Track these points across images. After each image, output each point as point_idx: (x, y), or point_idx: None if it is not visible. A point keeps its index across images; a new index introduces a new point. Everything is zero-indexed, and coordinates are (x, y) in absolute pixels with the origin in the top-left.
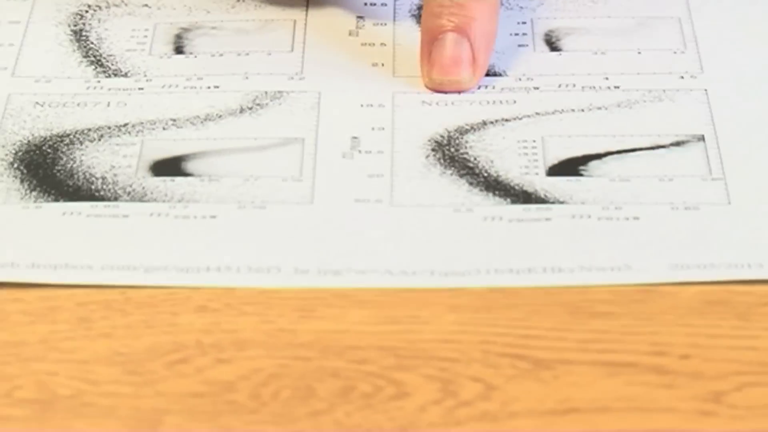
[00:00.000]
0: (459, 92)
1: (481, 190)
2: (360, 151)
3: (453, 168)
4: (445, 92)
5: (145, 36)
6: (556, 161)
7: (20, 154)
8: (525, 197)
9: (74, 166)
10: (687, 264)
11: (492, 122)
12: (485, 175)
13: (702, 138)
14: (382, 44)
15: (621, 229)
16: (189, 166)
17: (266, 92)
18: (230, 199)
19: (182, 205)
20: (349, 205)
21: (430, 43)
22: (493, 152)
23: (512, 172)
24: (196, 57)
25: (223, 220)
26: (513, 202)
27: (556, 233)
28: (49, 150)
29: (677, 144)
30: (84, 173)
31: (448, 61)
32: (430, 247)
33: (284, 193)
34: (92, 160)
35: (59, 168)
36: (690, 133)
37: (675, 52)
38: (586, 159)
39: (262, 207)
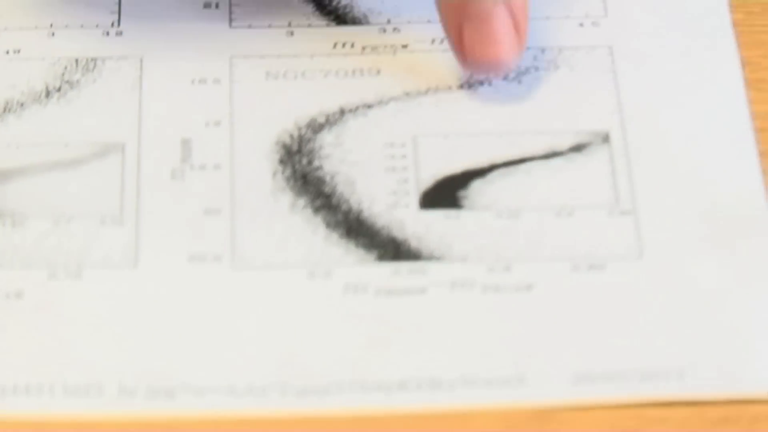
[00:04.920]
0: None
1: (341, 235)
2: (192, 166)
3: (306, 195)
4: (486, 75)
5: None
6: (431, 182)
7: None
8: (394, 249)
9: None
10: (592, 374)
11: (351, 110)
12: (345, 209)
13: (607, 138)
14: None
15: (511, 308)
16: None
17: (76, 60)
18: (39, 261)
19: None
20: (181, 268)
21: (459, 17)
22: (355, 166)
23: (378, 202)
24: None
25: (30, 300)
26: (380, 256)
27: (432, 316)
28: None
29: (577, 149)
30: None
31: (489, 39)
32: (278, 343)
33: (104, 248)
34: None
35: None
36: (592, 130)
37: None
38: (467, 177)
39: (77, 275)
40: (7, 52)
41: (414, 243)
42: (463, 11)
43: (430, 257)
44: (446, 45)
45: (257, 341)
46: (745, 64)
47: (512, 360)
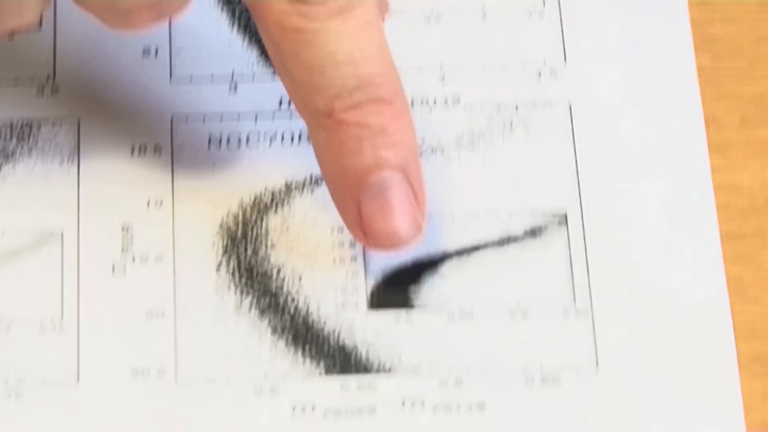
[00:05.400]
0: (401, 248)
1: (287, 343)
2: (134, 258)
3: (251, 293)
4: (386, 249)
5: None
6: (380, 276)
7: None
8: (343, 361)
9: None
10: None
11: (297, 186)
12: (292, 311)
13: (564, 220)
14: None
15: (464, 428)
16: None
17: (11, 125)
18: None
19: None
20: (123, 383)
21: (357, 191)
22: (302, 255)
23: (327, 302)
24: None
25: None
26: (328, 369)
27: None
28: None
29: (532, 234)
30: None
31: (393, 215)
32: None
33: (44, 360)
34: None
35: None
36: (549, 210)
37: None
38: (419, 271)
39: (19, 394)
40: None
41: (363, 352)
42: (359, 185)
43: (379, 369)
44: None
45: None
46: (710, 120)
47: None
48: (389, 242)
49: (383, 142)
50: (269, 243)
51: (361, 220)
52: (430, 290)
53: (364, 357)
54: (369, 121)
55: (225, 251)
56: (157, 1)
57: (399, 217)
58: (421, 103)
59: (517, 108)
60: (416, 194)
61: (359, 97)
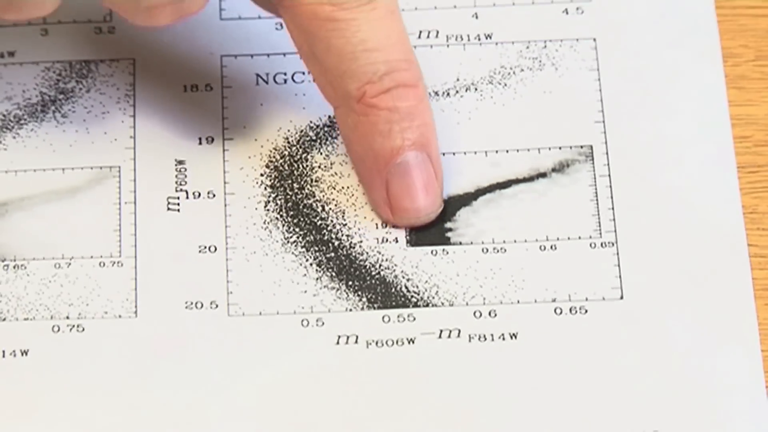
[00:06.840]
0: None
1: (332, 276)
2: (187, 194)
3: (297, 229)
4: (410, 224)
5: None
6: None
7: None
8: (384, 294)
9: None
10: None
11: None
12: (335, 243)
13: (590, 155)
14: None
15: (494, 359)
16: None
17: (70, 64)
18: (42, 311)
19: None
20: (178, 316)
21: (386, 171)
22: (342, 191)
23: (368, 236)
24: None
25: (36, 358)
26: (370, 303)
27: (419, 370)
28: None
29: (560, 169)
30: None
31: (418, 192)
32: (270, 405)
33: (104, 294)
34: None
35: None
36: (577, 144)
37: None
38: (454, 206)
39: (80, 328)
40: (2, 56)
41: (402, 285)
42: (388, 166)
43: (418, 302)
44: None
45: (253, 391)
46: (726, 56)
47: (491, 410)
48: (415, 218)
49: (409, 125)
50: (314, 179)
51: (388, 199)
52: (465, 226)
53: (403, 290)
54: (397, 105)
55: (273, 188)
56: None
57: (423, 194)
58: (456, 40)
59: (545, 45)
60: (436, 172)
61: (389, 83)
